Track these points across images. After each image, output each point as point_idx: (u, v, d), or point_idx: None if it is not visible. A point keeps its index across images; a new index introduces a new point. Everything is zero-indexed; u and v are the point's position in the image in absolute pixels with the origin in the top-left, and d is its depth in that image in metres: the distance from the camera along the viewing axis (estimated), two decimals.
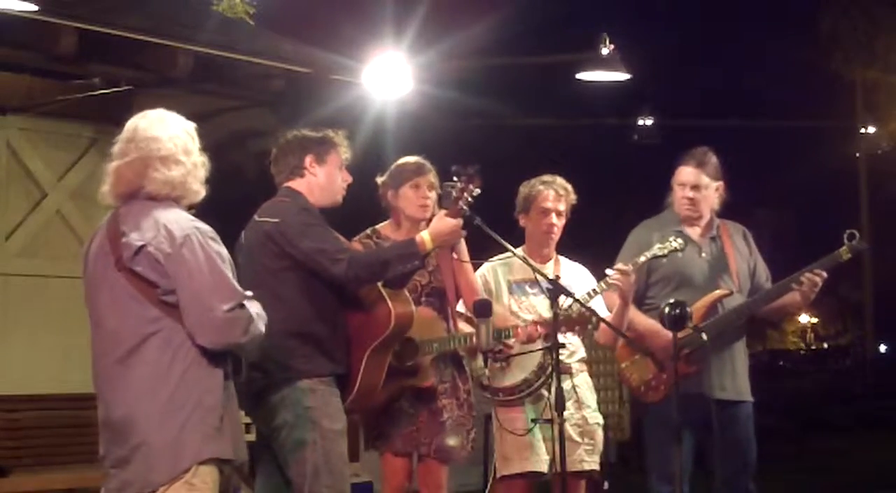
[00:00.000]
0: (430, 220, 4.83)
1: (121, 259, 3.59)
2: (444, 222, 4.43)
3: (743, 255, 5.28)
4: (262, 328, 3.67)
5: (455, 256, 4.90)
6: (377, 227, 5.05)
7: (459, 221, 4.43)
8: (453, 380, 4.96)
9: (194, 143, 3.76)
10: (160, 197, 3.66)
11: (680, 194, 5.20)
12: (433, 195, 4.93)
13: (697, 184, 5.18)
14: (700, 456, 5.15)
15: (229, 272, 3.61)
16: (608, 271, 5.04)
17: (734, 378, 5.18)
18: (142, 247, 3.55)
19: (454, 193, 4.38)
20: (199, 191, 3.74)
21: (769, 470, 5.31)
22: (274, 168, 4.62)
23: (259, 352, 4.30)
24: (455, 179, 4.38)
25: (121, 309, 3.60)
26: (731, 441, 5.09)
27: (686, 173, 5.19)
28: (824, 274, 5.03)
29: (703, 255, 5.22)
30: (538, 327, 4.90)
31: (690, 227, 5.24)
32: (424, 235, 4.43)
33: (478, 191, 4.39)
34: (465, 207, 4.40)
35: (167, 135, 3.72)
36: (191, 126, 3.81)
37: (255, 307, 3.71)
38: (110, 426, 3.63)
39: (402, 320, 4.56)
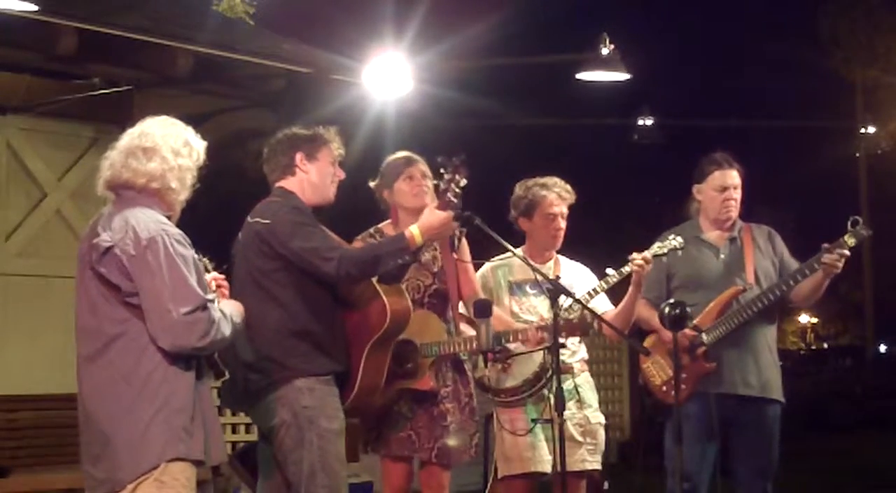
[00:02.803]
0: None
1: (91, 259, 3.64)
2: (433, 215, 4.40)
3: (765, 253, 5.33)
4: (228, 332, 3.68)
5: (455, 256, 4.90)
6: (380, 226, 5.04)
7: (449, 214, 4.38)
8: (455, 384, 4.94)
9: (190, 152, 3.78)
10: (137, 187, 3.68)
11: (724, 197, 5.30)
12: (428, 183, 4.92)
13: (738, 185, 5.31)
14: (725, 456, 5.14)
15: (192, 275, 3.61)
16: (609, 271, 5.05)
17: (759, 374, 5.19)
18: (109, 248, 3.59)
19: (441, 185, 4.37)
20: (178, 191, 3.75)
21: None
22: (266, 168, 4.61)
23: (256, 353, 4.31)
24: (441, 171, 4.36)
25: (93, 308, 3.66)
26: (752, 441, 5.11)
27: (734, 177, 5.32)
28: (846, 253, 5.03)
29: (722, 256, 5.30)
30: (541, 332, 4.88)
31: (712, 231, 5.32)
32: (413, 229, 4.40)
33: (464, 181, 4.35)
34: (453, 199, 4.37)
35: (162, 132, 3.76)
36: (199, 143, 3.83)
37: (226, 309, 3.74)
38: (83, 424, 3.68)
39: (399, 314, 4.54)
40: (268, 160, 4.60)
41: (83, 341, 3.69)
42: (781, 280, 5.21)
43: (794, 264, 5.32)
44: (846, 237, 5.06)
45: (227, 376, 4.00)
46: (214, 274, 3.94)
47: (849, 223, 5.08)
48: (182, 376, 3.62)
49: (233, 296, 4.22)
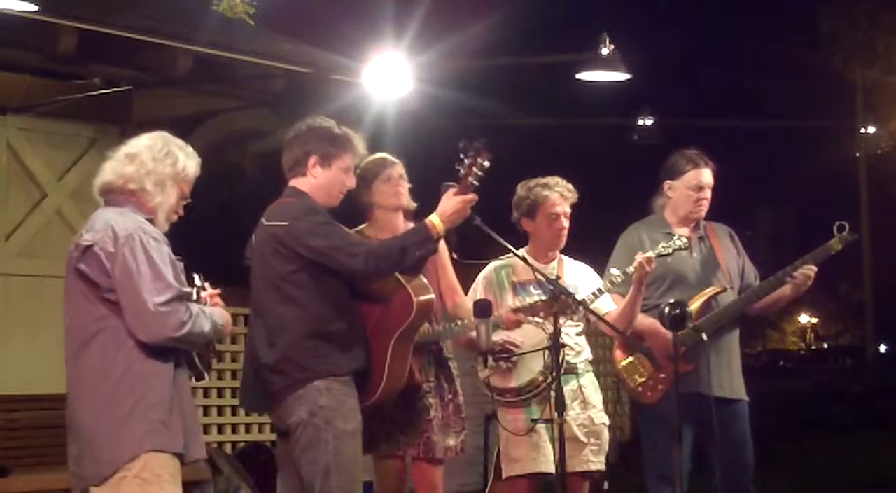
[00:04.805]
0: (407, 210, 4.96)
1: (74, 258, 3.76)
2: (451, 201, 4.36)
3: (731, 254, 5.34)
4: (207, 327, 3.75)
5: (454, 254, 4.91)
6: (359, 228, 5.04)
7: (466, 198, 4.34)
8: (438, 380, 4.95)
9: (174, 162, 3.87)
10: (116, 189, 3.82)
11: (696, 196, 5.28)
12: (405, 185, 4.98)
13: (712, 185, 5.30)
14: (699, 456, 5.16)
15: (168, 270, 3.70)
16: (613, 271, 5.05)
17: (731, 376, 5.20)
18: (89, 247, 3.71)
19: (462, 170, 4.33)
20: (154, 194, 3.84)
21: (769, 470, 5.32)
22: (283, 157, 4.57)
23: (276, 355, 4.32)
24: (462, 155, 4.32)
25: (75, 307, 3.77)
26: (730, 440, 5.10)
27: (708, 176, 5.30)
28: (815, 268, 5.10)
29: (695, 254, 5.28)
30: (518, 314, 4.88)
31: (680, 228, 5.27)
32: (434, 219, 4.37)
33: (487, 164, 4.30)
34: (474, 183, 4.33)
35: (148, 142, 3.89)
36: (187, 158, 3.91)
37: (210, 310, 3.81)
38: (67, 422, 3.79)
39: (424, 305, 4.58)
40: (285, 151, 4.57)
41: (68, 341, 3.79)
42: (764, 284, 5.21)
43: (750, 266, 5.35)
44: (833, 242, 5.12)
45: (206, 378, 4.03)
46: (210, 291, 3.99)
47: (835, 229, 5.12)
48: (159, 371, 3.70)
49: (251, 299, 4.29)
